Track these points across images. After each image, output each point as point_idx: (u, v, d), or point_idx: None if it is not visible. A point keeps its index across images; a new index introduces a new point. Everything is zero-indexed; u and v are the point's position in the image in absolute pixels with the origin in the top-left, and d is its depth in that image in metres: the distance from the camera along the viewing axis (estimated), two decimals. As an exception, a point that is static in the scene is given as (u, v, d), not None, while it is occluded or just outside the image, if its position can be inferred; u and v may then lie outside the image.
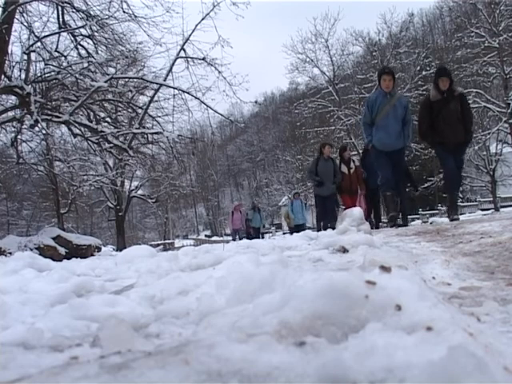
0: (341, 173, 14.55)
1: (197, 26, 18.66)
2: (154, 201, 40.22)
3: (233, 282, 1.90)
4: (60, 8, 16.70)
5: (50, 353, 1.45)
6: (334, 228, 14.92)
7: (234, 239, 23.60)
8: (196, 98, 18.42)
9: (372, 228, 12.73)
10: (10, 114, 15.37)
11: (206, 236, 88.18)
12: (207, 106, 18.56)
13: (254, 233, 25.56)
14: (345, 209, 13.35)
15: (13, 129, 16.97)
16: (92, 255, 13.48)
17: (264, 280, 1.58)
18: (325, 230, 12.66)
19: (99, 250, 15.56)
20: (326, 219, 14.73)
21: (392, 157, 9.92)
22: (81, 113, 17.75)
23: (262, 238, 24.33)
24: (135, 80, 18.63)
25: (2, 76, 13.85)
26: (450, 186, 10.16)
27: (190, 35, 18.60)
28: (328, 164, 14.78)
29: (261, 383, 0.81)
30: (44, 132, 16.42)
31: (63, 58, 17.14)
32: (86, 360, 1.01)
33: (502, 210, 32.95)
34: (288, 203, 25.64)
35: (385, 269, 1.31)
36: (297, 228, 21.90)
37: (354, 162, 14.81)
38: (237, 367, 0.85)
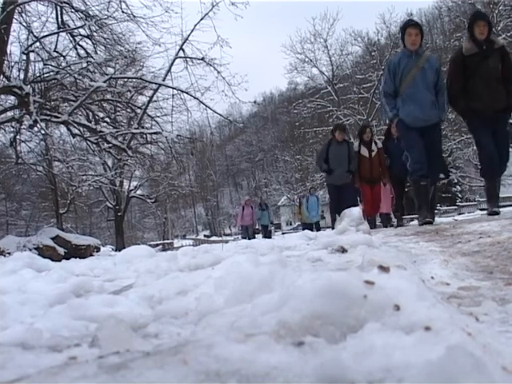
0: (360, 157, 12.46)
1: (196, 25, 18.73)
2: (153, 201, 40.24)
3: (231, 282, 1.90)
4: (59, 8, 16.71)
5: (48, 353, 1.45)
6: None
7: (244, 237, 22.78)
8: (195, 97, 18.47)
9: (400, 224, 12.04)
10: (9, 114, 15.38)
11: (205, 236, 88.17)
12: (206, 105, 18.60)
13: (262, 231, 24.96)
14: (364, 203, 12.55)
15: (12, 129, 16.98)
16: (91, 255, 13.49)
17: (263, 280, 1.58)
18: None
19: (98, 250, 15.58)
20: (340, 212, 12.76)
21: (425, 134, 8.05)
22: (80, 113, 17.75)
23: (269, 236, 22.16)
24: (134, 80, 18.65)
25: (1, 76, 13.87)
26: (488, 171, 8.07)
27: (188, 35, 18.67)
28: (341, 148, 12.73)
29: (259, 383, 0.81)
30: (43, 132, 16.39)
31: (62, 58, 17.16)
32: (84, 360, 1.01)
33: (500, 209, 32.93)
34: (303, 199, 23.75)
35: (383, 269, 1.31)
36: (310, 227, 20.89)
37: (376, 143, 12.61)
38: (235, 367, 0.85)
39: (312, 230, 17.79)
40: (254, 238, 21.23)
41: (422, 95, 8.08)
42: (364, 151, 12.47)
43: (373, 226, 12.31)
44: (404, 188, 12.63)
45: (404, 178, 11.41)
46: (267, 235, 23.50)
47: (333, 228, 12.47)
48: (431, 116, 8.11)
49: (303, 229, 22.82)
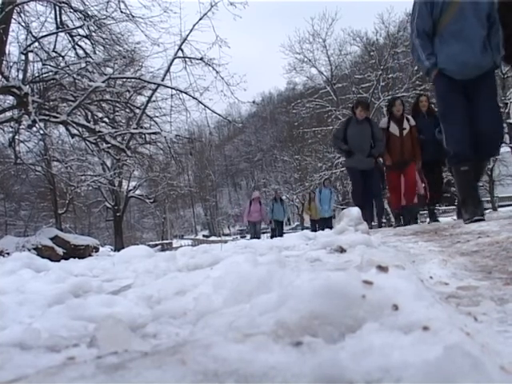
0: (389, 135, 10.57)
1: (194, 26, 18.74)
2: (151, 201, 40.24)
3: (230, 282, 1.90)
4: (57, 8, 16.73)
5: (46, 353, 1.45)
6: (380, 218, 12.45)
7: (251, 235, 21.74)
8: (194, 97, 18.47)
9: (435, 219, 10.53)
10: (8, 114, 15.36)
11: (203, 236, 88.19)
12: (205, 105, 18.59)
13: (276, 227, 22.14)
14: (390, 191, 11.04)
15: (10, 129, 16.97)
16: (90, 255, 13.49)
17: (261, 280, 1.58)
18: (365, 220, 9.96)
19: (97, 250, 15.58)
20: (366, 203, 11.04)
21: (474, 91, 6.01)
22: (78, 113, 17.76)
23: (281, 235, 20.09)
24: (133, 80, 18.64)
25: (0, 76, 13.85)
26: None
27: (187, 35, 18.66)
28: (363, 127, 10.93)
29: (257, 383, 0.81)
30: (42, 132, 16.38)
31: (61, 58, 17.17)
32: (82, 360, 1.01)
33: (499, 209, 32.99)
34: (316, 191, 21.92)
35: (382, 268, 1.31)
36: (322, 222, 20.24)
37: (408, 120, 10.58)
38: (233, 367, 0.85)
39: (322, 229, 17.17)
40: (259, 237, 20.05)
41: (473, 31, 5.94)
42: (394, 129, 10.57)
43: (409, 219, 10.46)
44: (439, 176, 10.95)
45: (437, 163, 10.43)
46: (279, 233, 21.39)
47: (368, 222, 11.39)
48: (484, 61, 5.97)
49: (311, 227, 22.35)
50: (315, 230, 18.40)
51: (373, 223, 12.75)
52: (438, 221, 10.30)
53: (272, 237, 18.95)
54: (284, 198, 74.79)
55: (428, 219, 11.29)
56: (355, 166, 11.00)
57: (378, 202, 11.87)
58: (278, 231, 21.74)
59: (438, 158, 10.10)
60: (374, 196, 11.52)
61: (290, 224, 73.25)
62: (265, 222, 21.98)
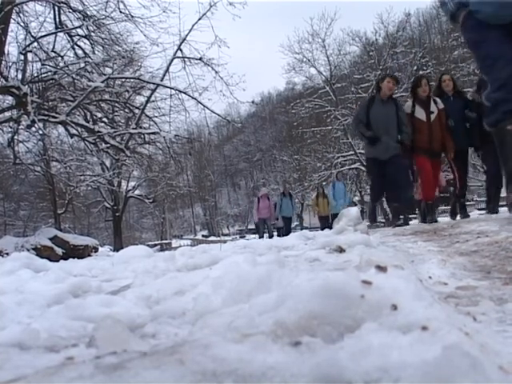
0: (414, 121, 9.33)
1: (193, 26, 18.73)
2: (151, 201, 40.25)
3: (229, 282, 1.90)
4: (56, 8, 16.74)
5: (45, 353, 1.45)
6: (406, 220, 9.76)
7: (259, 234, 21.08)
8: (193, 98, 18.47)
9: (466, 215, 9.63)
10: (7, 114, 15.37)
11: (203, 236, 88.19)
12: (204, 106, 18.59)
13: (283, 223, 20.95)
14: (423, 182, 9.59)
15: (9, 129, 16.95)
16: (89, 255, 13.49)
17: (260, 280, 1.58)
18: (395, 217, 9.77)
19: (96, 250, 15.58)
20: (391, 198, 9.94)
21: None
22: (78, 113, 17.76)
23: (288, 233, 18.46)
24: (132, 80, 18.64)
25: (-1, 76, 13.86)
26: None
27: (186, 35, 18.65)
28: (388, 108, 9.48)
29: (256, 383, 0.81)
30: (41, 132, 16.42)
31: (60, 58, 17.17)
32: (81, 360, 1.01)
33: (499, 209, 32.94)
34: (329, 186, 20.55)
35: (381, 268, 1.31)
36: (329, 221, 18.62)
37: (436, 102, 9.36)
38: (232, 367, 0.85)
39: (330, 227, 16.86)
40: (272, 235, 19.28)
41: None
42: (420, 113, 9.31)
43: (433, 214, 9.52)
44: (467, 166, 9.97)
45: (466, 152, 9.62)
46: (287, 231, 19.59)
47: (371, 219, 10.82)
48: None
49: (320, 224, 20.78)
50: (325, 228, 17.50)
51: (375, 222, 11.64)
52: (468, 216, 9.86)
53: (278, 235, 18.24)
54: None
55: (451, 215, 10.57)
56: (377, 157, 9.48)
57: (403, 196, 9.64)
58: (285, 228, 20.45)
59: (466, 146, 9.53)
60: (400, 188, 9.49)
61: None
62: (272, 219, 20.86)
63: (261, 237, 19.61)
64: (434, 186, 9.69)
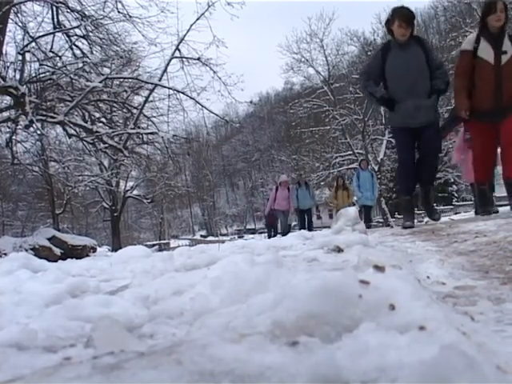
0: (477, 62, 6.64)
1: (192, 26, 18.70)
2: (149, 201, 40.19)
3: (227, 282, 1.90)
4: (55, 8, 16.72)
5: (43, 353, 1.45)
6: (433, 215, 7.49)
7: (270, 234, 18.92)
8: (191, 98, 18.45)
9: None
10: (5, 114, 15.33)
11: (201, 236, 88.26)
12: (202, 106, 18.58)
13: (299, 217, 18.53)
14: (477, 153, 7.22)
15: (7, 129, 16.93)
16: (87, 256, 13.45)
17: (258, 280, 1.58)
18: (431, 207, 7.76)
19: (94, 250, 15.54)
20: (422, 183, 7.48)
21: None
22: (76, 113, 17.73)
23: (310, 228, 17.11)
24: (130, 80, 18.63)
25: (-3, 76, 13.85)
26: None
27: (184, 35, 18.63)
28: (411, 53, 7.03)
29: (253, 383, 0.81)
30: (39, 132, 16.40)
31: (58, 59, 17.13)
32: (78, 360, 1.01)
33: (498, 209, 32.97)
34: (354, 176, 17.88)
35: (379, 268, 1.32)
36: (366, 211, 17.03)
37: (511, 38, 6.53)
38: (229, 367, 0.85)
39: (365, 220, 15.12)
40: (289, 231, 16.58)
41: None
42: (486, 52, 6.59)
43: (487, 203, 7.35)
44: None
45: None
46: (309, 224, 17.99)
47: (407, 214, 7.38)
48: None
49: None
50: None
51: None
52: None
53: (284, 234, 15.22)
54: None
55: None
56: (405, 125, 7.05)
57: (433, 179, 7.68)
58: (306, 221, 18.16)
59: None
60: (432, 169, 7.50)
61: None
62: (291, 212, 18.27)
63: (270, 236, 17.93)
64: (492, 163, 7.40)
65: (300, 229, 16.71)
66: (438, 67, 7.14)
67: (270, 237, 17.57)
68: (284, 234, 15.28)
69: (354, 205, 17.18)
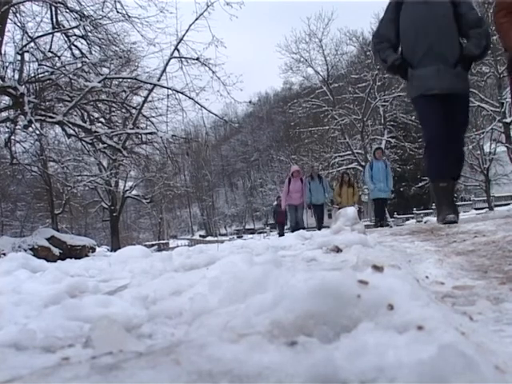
0: None
1: (190, 26, 18.74)
2: (148, 201, 40.20)
3: (226, 282, 1.90)
4: (53, 8, 16.74)
5: (42, 354, 1.45)
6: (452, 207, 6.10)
7: (281, 232, 17.34)
8: (190, 98, 18.47)
9: None
10: (4, 114, 15.35)
11: (200, 236, 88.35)
12: (201, 106, 18.60)
13: (314, 212, 16.92)
14: None
15: (6, 129, 16.96)
16: (86, 256, 13.47)
17: (257, 280, 1.58)
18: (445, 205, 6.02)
19: (93, 250, 15.56)
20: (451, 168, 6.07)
21: None
22: (75, 113, 17.75)
23: (320, 226, 15.93)
24: (129, 80, 18.65)
25: (-4, 76, 13.85)
26: None
27: (183, 35, 18.66)
28: (433, 6, 5.78)
29: (251, 383, 0.81)
30: (38, 132, 16.40)
31: (57, 59, 17.19)
32: (77, 361, 1.01)
33: (495, 209, 33.04)
34: (366, 167, 15.99)
35: (377, 268, 1.32)
36: (378, 205, 15.53)
37: None
38: (228, 367, 0.85)
39: (379, 217, 14.64)
40: (302, 227, 14.74)
41: None
42: None
43: None
44: None
45: None
46: (319, 221, 16.64)
47: (447, 204, 5.97)
48: None
49: None
50: None
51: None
52: None
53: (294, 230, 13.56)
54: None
55: None
56: (426, 91, 5.71)
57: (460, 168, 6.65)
58: (316, 218, 16.83)
59: None
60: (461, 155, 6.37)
61: (286, 224, 72.98)
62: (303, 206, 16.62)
63: (281, 234, 16.57)
64: None
65: (291, 226, 16.48)
66: (475, 24, 5.62)
67: (281, 235, 16.48)
68: (294, 230, 13.80)
69: (355, 204, 16.11)
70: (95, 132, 16.33)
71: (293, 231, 12.27)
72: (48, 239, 13.35)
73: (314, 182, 16.58)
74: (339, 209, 15.71)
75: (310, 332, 1.00)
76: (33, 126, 14.10)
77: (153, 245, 40.97)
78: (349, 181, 17.13)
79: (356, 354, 0.86)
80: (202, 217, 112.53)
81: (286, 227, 18.79)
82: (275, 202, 18.14)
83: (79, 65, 16.22)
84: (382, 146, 42.22)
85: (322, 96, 47.22)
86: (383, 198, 15.08)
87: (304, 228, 14.25)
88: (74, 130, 17.18)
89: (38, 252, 11.92)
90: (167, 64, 18.56)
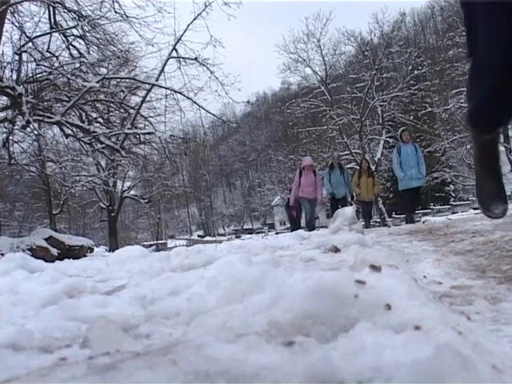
0: None
1: (189, 26, 18.75)
2: (146, 201, 40.21)
3: (224, 282, 1.90)
4: (51, 8, 16.71)
5: (39, 354, 1.45)
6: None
7: (293, 228, 14.72)
8: (188, 98, 18.46)
9: None
10: (2, 114, 15.33)
11: (198, 236, 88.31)
12: (199, 106, 18.58)
13: (332, 207, 14.84)
14: None
15: (4, 129, 16.93)
16: (84, 256, 13.46)
17: (254, 280, 1.58)
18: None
19: (91, 250, 15.56)
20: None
21: None
22: (73, 113, 17.74)
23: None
24: (127, 80, 18.64)
25: (-6, 76, 13.84)
26: None
27: (181, 35, 18.67)
28: None
29: (248, 383, 0.81)
30: (36, 133, 16.36)
31: (55, 59, 17.16)
32: (74, 361, 1.01)
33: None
34: (393, 152, 13.52)
35: (375, 268, 1.32)
36: (408, 196, 12.99)
37: None
38: (225, 367, 0.85)
39: (408, 210, 12.99)
40: (313, 225, 13.87)
41: None
42: None
43: None
44: None
45: None
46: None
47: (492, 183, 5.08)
48: None
49: (363, 211, 15.78)
50: (367, 217, 14.93)
51: None
52: None
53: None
54: (278, 198, 74.72)
55: None
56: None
57: None
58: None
59: None
60: None
61: (284, 224, 73.01)
62: (319, 202, 14.59)
63: (294, 229, 12.92)
64: None
65: (292, 226, 15.26)
66: None
67: (296, 227, 14.59)
68: (309, 227, 13.06)
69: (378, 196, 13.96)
70: (93, 132, 16.31)
71: (309, 229, 11.50)
72: (46, 239, 13.34)
73: (335, 173, 15.00)
74: (361, 202, 15.03)
75: (308, 332, 1.00)
76: (31, 126, 14.08)
77: (151, 245, 40.91)
78: (368, 169, 15.47)
79: (353, 353, 0.86)
80: (200, 217, 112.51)
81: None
82: (288, 196, 15.57)
83: (77, 65, 16.20)
84: (380, 145, 42.31)
85: (320, 96, 47.15)
86: (415, 187, 12.81)
87: (314, 228, 13.39)
88: (72, 130, 17.18)
89: (36, 252, 11.91)
90: (165, 64, 18.59)
